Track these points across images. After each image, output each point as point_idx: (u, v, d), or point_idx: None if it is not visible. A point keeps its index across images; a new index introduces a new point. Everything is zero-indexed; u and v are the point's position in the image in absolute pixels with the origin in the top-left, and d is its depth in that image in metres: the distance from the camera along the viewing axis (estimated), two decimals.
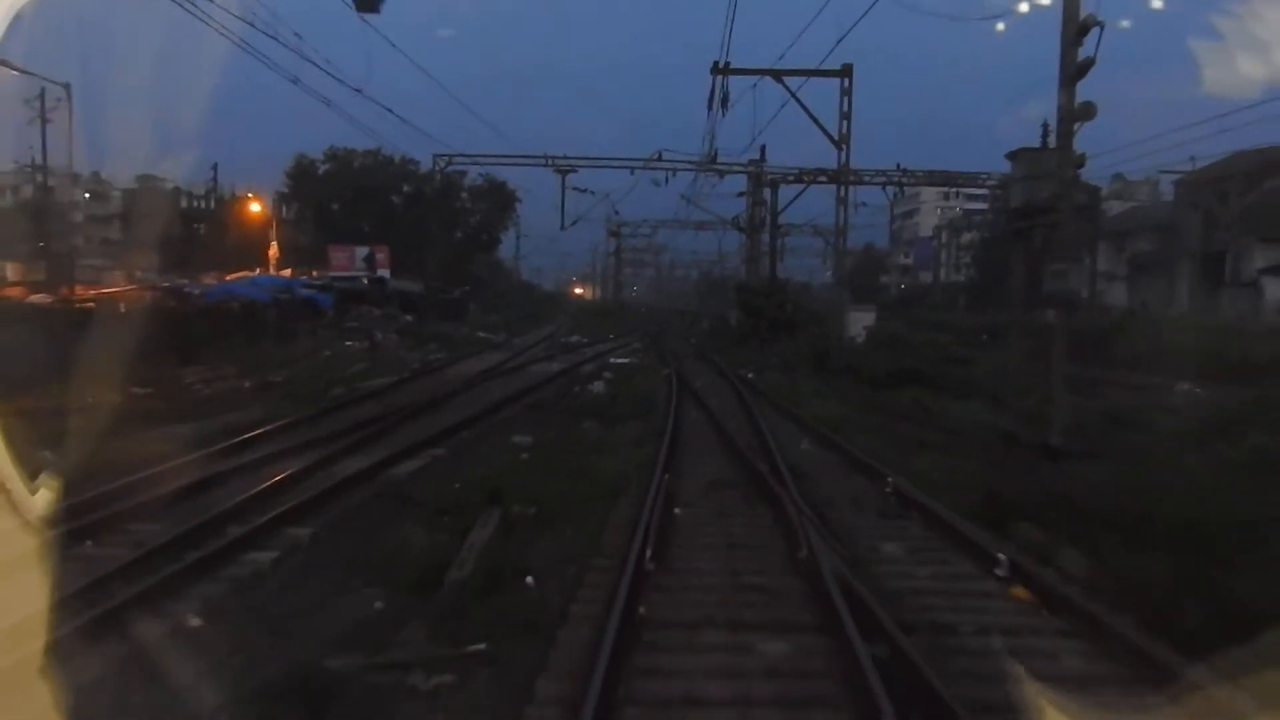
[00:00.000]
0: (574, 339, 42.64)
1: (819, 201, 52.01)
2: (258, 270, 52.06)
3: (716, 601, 6.88)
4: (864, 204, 39.34)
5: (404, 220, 60.28)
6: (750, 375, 24.02)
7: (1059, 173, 11.23)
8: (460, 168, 46.48)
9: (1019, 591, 7.20)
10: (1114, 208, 70.77)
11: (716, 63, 22.78)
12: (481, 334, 39.62)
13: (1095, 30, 10.83)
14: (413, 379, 23.05)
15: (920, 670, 5.33)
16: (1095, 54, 10.79)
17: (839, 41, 21.44)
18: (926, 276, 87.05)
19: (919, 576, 7.63)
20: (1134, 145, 78.32)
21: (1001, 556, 7.64)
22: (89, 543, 7.97)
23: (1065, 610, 6.71)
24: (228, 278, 45.26)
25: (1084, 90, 11.07)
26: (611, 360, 29.78)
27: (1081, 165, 11.77)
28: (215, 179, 63.33)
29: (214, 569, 7.31)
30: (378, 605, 6.97)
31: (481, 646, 6.13)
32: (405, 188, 64.88)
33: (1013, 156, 12.50)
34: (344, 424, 15.01)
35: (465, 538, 8.58)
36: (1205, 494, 8.10)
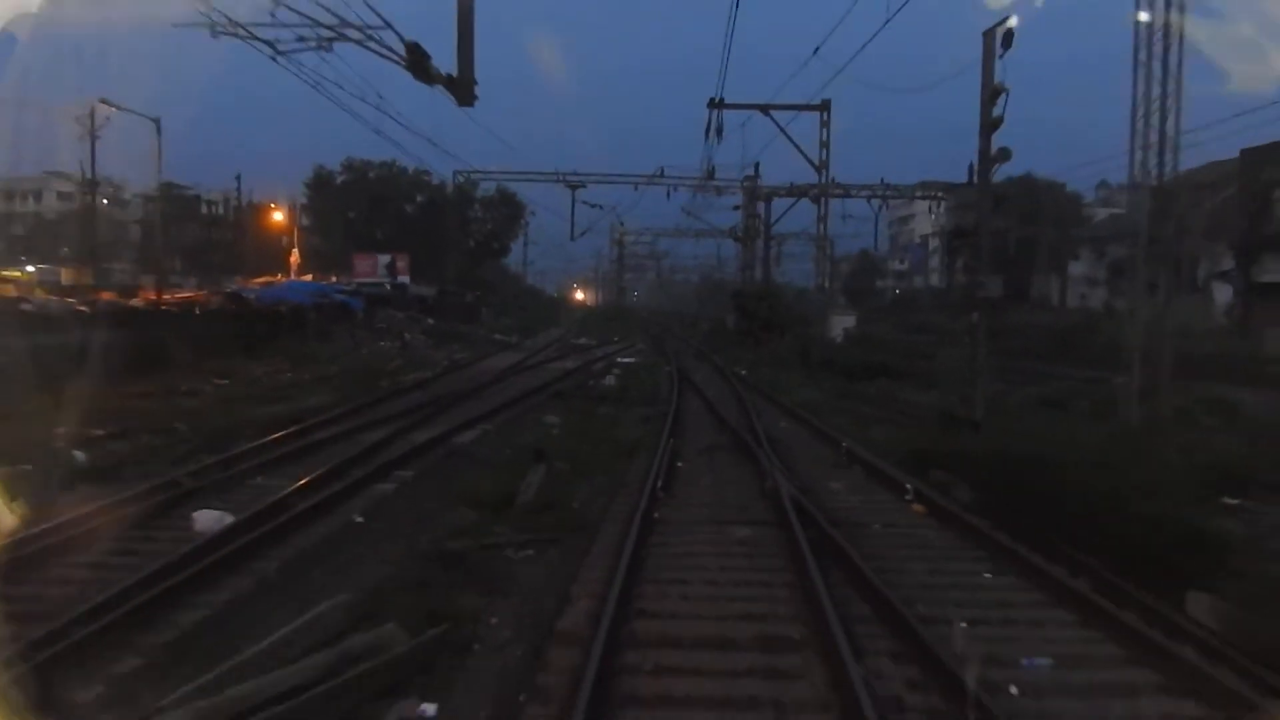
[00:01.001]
0: (581, 341, 45.71)
1: (812, 212, 55.10)
2: (279, 275, 55.19)
3: (707, 511, 10.05)
4: (849, 216, 42.47)
5: (417, 228, 63.50)
6: (744, 371, 27.14)
7: (979, 203, 14.37)
8: (481, 181, 49.52)
9: (917, 507, 10.34)
10: (1100, 214, 73.95)
11: (712, 99, 25.92)
12: (497, 336, 42.72)
13: (1003, 96, 13.97)
14: (445, 374, 26.14)
15: (837, 541, 8.45)
16: (1003, 114, 13.94)
17: (819, 92, 24.44)
18: (921, 280, 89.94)
19: (850, 500, 10.77)
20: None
21: (909, 486, 10.79)
22: (260, 478, 11.09)
23: (945, 517, 9.86)
24: (251, 282, 48.32)
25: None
26: (619, 359, 32.89)
27: (1002, 198, 14.86)
28: (239, 188, 66.26)
29: (358, 492, 10.45)
30: (471, 517, 10.05)
31: (550, 536, 9.26)
32: (418, 197, 68.14)
33: (947, 190, 15.63)
34: (403, 407, 18.12)
35: (522, 480, 11.68)
36: (1061, 449, 11.20)
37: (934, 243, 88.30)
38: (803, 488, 10.94)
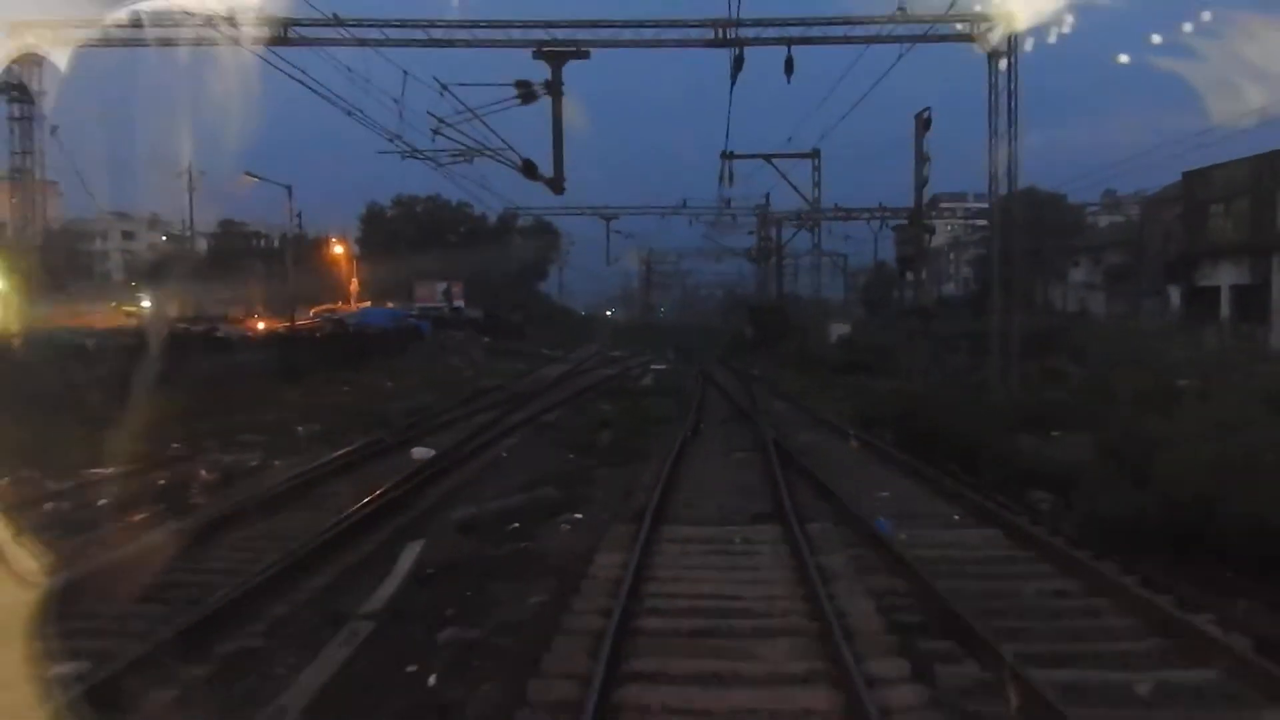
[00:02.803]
0: (617, 353, 51.55)
1: (824, 231, 60.54)
2: (339, 304, 61.49)
3: (720, 448, 15.79)
4: (849, 237, 48.16)
5: (462, 256, 69.81)
6: (756, 372, 32.85)
7: (916, 240, 20.01)
8: (524, 214, 55.52)
9: (854, 444, 16.00)
10: (1103, 221, 79.12)
11: (724, 151, 31.62)
12: (544, 350, 48.64)
13: (928, 163, 19.67)
14: (513, 380, 32.02)
15: (796, 457, 14.13)
16: (929, 176, 19.64)
17: (815, 144, 30.34)
18: (936, 290, 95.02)
19: (813, 441, 16.46)
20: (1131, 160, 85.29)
21: (851, 432, 16.46)
22: (427, 439, 16.89)
23: (870, 448, 15.51)
24: (315, 311, 54.46)
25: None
26: (652, 367, 38.67)
27: (932, 231, 20.49)
28: (300, 225, 72.64)
29: (494, 444, 16.27)
30: (570, 456, 15.79)
31: (621, 463, 15.00)
32: (462, 228, 74.55)
33: (896, 229, 21.29)
34: (492, 401, 23.97)
35: (596, 437, 17.44)
36: (942, 407, 16.77)
37: (951, 254, 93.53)
38: (783, 436, 16.64)
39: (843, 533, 9.65)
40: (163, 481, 13.00)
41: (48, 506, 11.15)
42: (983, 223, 79.36)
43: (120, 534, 9.87)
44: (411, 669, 6.27)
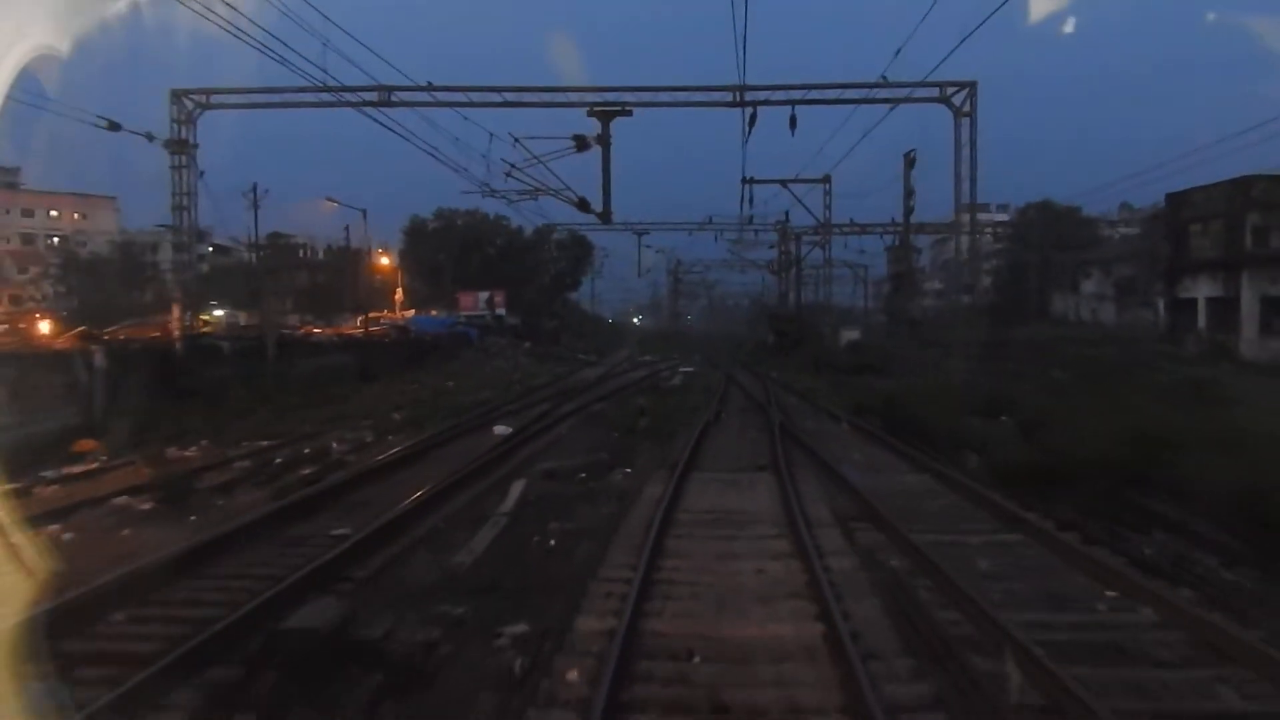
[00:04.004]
0: (647, 358, 55.51)
1: (841, 244, 64.44)
2: (385, 313, 65.87)
3: (736, 429, 19.72)
4: (863, 251, 52.13)
5: (499, 267, 74.18)
6: (775, 374, 36.68)
7: (904, 261, 23.75)
8: (559, 228, 59.67)
9: (846, 427, 19.85)
10: (1119, 232, 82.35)
11: (744, 177, 35.46)
12: (580, 355, 52.72)
13: (913, 196, 23.49)
14: (557, 380, 36.04)
15: (801, 438, 18.03)
16: (914, 206, 23.45)
17: (824, 172, 34.41)
18: (959, 299, 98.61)
19: (814, 426, 20.32)
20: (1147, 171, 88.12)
21: (843, 417, 20.33)
22: (499, 424, 20.93)
23: (858, 429, 19.35)
24: (360, 319, 58.76)
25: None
26: (680, 369, 42.58)
27: (917, 252, 24.17)
28: (348, 238, 77.39)
29: (554, 426, 20.28)
30: (615, 435, 19.74)
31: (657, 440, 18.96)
32: (499, 241, 78.99)
33: (889, 251, 25.08)
34: (544, 396, 27.99)
35: (636, 422, 21.40)
36: (912, 396, 20.60)
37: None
38: (789, 421, 20.52)
39: (819, 477, 13.55)
40: (308, 450, 17.09)
41: (241, 464, 15.26)
42: (1000, 231, 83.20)
43: (303, 480, 13.98)
44: (536, 539, 10.26)
